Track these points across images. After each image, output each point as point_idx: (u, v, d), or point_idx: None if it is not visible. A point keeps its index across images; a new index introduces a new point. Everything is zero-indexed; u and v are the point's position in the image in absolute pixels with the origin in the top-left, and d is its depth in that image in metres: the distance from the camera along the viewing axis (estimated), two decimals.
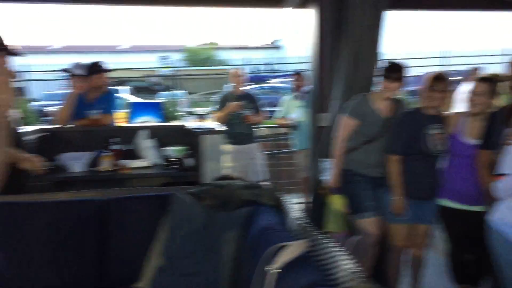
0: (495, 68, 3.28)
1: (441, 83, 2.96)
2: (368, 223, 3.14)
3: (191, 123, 4.42)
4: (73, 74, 3.99)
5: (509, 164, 2.46)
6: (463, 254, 3.00)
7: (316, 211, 3.66)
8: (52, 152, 3.63)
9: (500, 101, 2.96)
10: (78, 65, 4.04)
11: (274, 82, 18.92)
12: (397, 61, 3.21)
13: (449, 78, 3.03)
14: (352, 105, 3.26)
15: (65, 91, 4.38)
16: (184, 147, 3.73)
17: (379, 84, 3.22)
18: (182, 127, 4.14)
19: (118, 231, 2.45)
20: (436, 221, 3.16)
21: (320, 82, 3.90)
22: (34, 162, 2.92)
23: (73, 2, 4.49)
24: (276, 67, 27.05)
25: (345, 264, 1.54)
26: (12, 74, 1.42)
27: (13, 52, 2.72)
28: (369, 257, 3.21)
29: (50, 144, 3.76)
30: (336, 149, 3.26)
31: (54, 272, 2.35)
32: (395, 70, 3.12)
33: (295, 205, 2.42)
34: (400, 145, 3.05)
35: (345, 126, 3.23)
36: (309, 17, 4.06)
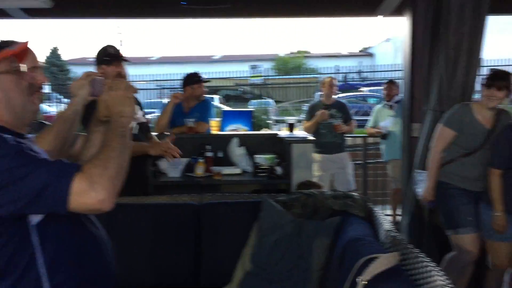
0: None
1: (505, 76, 2.77)
2: (466, 240, 2.99)
3: (282, 132, 4.49)
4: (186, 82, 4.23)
5: None
6: None
7: (414, 226, 3.54)
8: (152, 158, 3.88)
9: None
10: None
11: (364, 91, 18.59)
12: (501, 68, 3.05)
13: None
14: (450, 114, 3.13)
15: (164, 100, 4.65)
16: (274, 155, 3.81)
17: (481, 93, 3.06)
18: (274, 135, 4.23)
19: (211, 235, 2.56)
20: None
21: (412, 91, 3.79)
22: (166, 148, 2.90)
23: (177, 16, 4.75)
24: (367, 75, 26.55)
25: (437, 280, 1.49)
26: (133, 89, 1.54)
27: (127, 61, 2.98)
28: (465, 276, 3.05)
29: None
30: (432, 161, 3.14)
31: (151, 270, 2.52)
32: (500, 78, 2.96)
33: (387, 217, 2.38)
34: (502, 159, 2.88)
35: (442, 136, 3.11)
36: (402, 25, 3.98)
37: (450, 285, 1.45)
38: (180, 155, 2.96)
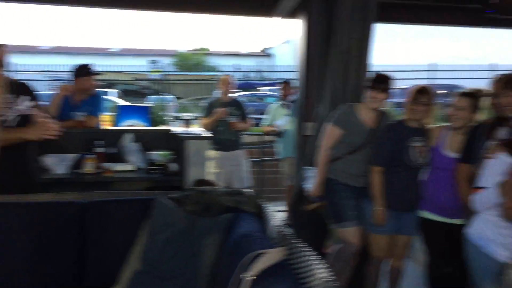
0: (483, 83, 3.34)
1: (424, 96, 3.01)
2: (350, 233, 3.17)
3: (177, 128, 4.43)
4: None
5: (487, 178, 2.50)
6: (441, 267, 3.03)
7: (299, 220, 3.67)
8: (36, 153, 3.61)
9: (482, 116, 3.01)
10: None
11: (263, 90, 18.99)
12: (384, 72, 3.26)
13: (433, 92, 3.07)
14: (337, 114, 3.29)
15: (52, 92, 4.36)
16: (168, 152, 3.74)
17: (365, 95, 3.26)
18: (167, 131, 4.15)
19: (97, 234, 2.44)
20: (417, 232, 3.19)
21: (306, 91, 3.93)
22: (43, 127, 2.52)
23: (66, 3, 4.48)
24: (266, 74, 27.15)
25: (320, 273, 1.55)
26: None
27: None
28: (349, 267, 3.23)
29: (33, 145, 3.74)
30: (320, 158, 3.28)
31: (32, 273, 2.34)
32: (381, 81, 3.16)
33: (276, 213, 2.43)
34: (383, 157, 3.09)
35: (329, 135, 3.26)
36: (297, 27, 4.10)
37: (331, 277, 1.52)
38: (61, 134, 2.58)
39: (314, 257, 1.69)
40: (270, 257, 1.67)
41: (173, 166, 3.62)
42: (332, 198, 3.25)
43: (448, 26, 5.84)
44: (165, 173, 3.58)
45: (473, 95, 2.95)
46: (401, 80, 16.55)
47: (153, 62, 28.91)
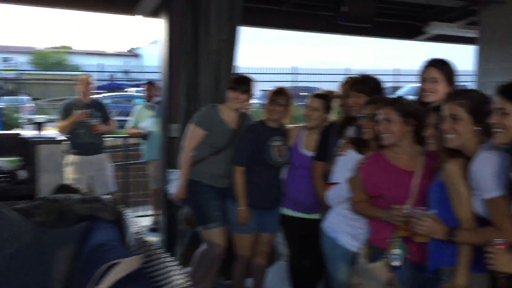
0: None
1: (281, 97, 3.12)
2: (215, 234, 3.17)
3: (28, 132, 4.05)
4: None
5: (338, 174, 2.68)
6: (301, 260, 3.18)
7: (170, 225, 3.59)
8: None
9: (334, 116, 3.22)
10: None
11: (130, 91, 18.42)
12: (245, 74, 3.32)
13: (290, 93, 3.21)
14: (200, 114, 3.28)
15: None
16: (17, 158, 3.40)
17: (227, 96, 3.28)
18: (16, 135, 3.77)
19: None
20: (279, 229, 3.31)
21: (170, 92, 3.86)
22: None
23: None
24: (134, 75, 26.37)
25: (177, 279, 1.51)
26: None
27: None
28: (215, 268, 3.24)
29: None
30: (184, 159, 3.24)
31: None
32: (242, 83, 3.21)
33: (143, 218, 2.33)
34: (244, 157, 3.14)
35: (192, 135, 3.23)
36: (161, 27, 4.01)
37: (187, 283, 1.48)
38: None
39: (171, 263, 1.64)
40: (125, 266, 1.59)
41: (22, 174, 3.30)
42: (196, 200, 3.23)
43: (306, 31, 6.20)
44: (12, 181, 3.25)
45: (325, 97, 3.14)
46: (266, 82, 17.26)
47: (6, 59, 26.38)
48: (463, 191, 1.98)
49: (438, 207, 2.07)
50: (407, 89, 19.34)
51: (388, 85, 18.99)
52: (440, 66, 2.61)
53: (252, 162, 3.14)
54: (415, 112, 2.37)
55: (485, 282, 2.04)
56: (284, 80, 17.65)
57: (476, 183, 1.90)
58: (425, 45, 7.35)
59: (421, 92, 2.66)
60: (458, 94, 2.06)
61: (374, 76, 2.99)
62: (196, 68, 3.68)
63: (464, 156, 2.00)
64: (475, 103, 1.97)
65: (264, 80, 16.78)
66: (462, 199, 1.99)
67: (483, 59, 5.32)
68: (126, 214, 2.37)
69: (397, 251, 2.28)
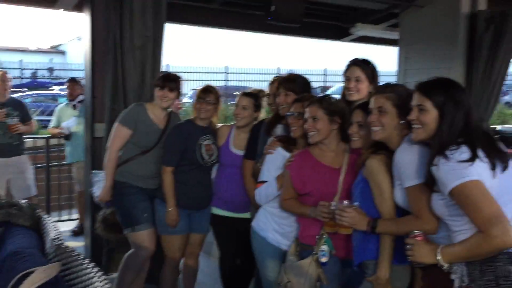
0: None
1: (208, 95, 3.08)
2: (142, 236, 3.07)
3: None
4: None
5: (267, 172, 2.69)
6: (233, 260, 3.15)
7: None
8: None
9: (263, 115, 3.23)
10: None
11: (56, 89, 17.58)
12: (173, 72, 3.25)
13: (218, 91, 3.17)
14: (125, 113, 3.16)
15: None
16: None
17: (155, 94, 3.18)
18: None
19: None
20: (209, 229, 3.27)
21: (94, 90, 3.70)
22: None
23: None
24: (58, 73, 25.22)
25: (96, 286, 1.43)
26: None
27: None
28: (144, 271, 3.15)
29: None
30: (109, 160, 3.11)
31: None
32: (171, 81, 3.13)
33: (57, 224, 2.19)
34: (173, 157, 3.07)
35: (118, 135, 3.11)
36: (83, 22, 3.84)
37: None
38: None
39: (92, 270, 1.56)
40: (41, 275, 1.48)
41: None
42: (123, 202, 3.11)
43: (236, 30, 6.20)
44: None
45: (255, 95, 3.14)
46: (199, 81, 17.15)
47: None
48: (385, 186, 2.05)
49: (362, 201, 2.13)
50: (336, 89, 20.01)
51: (317, 85, 19.56)
52: (363, 65, 2.68)
53: (182, 162, 3.07)
54: (341, 110, 2.43)
55: (407, 273, 2.13)
56: (216, 79, 17.58)
57: (397, 172, 1.96)
58: (352, 46, 7.59)
59: (345, 90, 2.73)
60: (386, 88, 2.12)
61: (303, 75, 3.03)
62: (122, 66, 3.55)
63: (388, 151, 2.07)
64: (401, 98, 2.03)
65: (197, 79, 16.65)
66: (383, 194, 2.05)
67: (403, 60, 5.58)
68: (45, 219, 2.23)
69: (324, 247, 2.32)
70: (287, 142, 2.66)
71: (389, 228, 2.04)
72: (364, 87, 2.64)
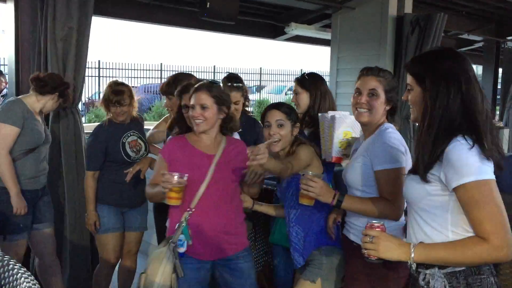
0: None
1: (122, 96, 2.95)
2: (17, 245, 2.86)
3: None
4: None
5: None
6: None
7: None
8: None
9: None
10: None
11: None
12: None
13: (130, 87, 3.06)
14: (6, 110, 2.86)
15: None
16: None
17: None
18: None
19: None
20: (145, 227, 3.19)
21: (18, 84, 3.49)
22: None
23: None
24: None
25: (25, 285, 1.36)
26: None
27: None
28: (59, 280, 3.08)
29: None
30: (3, 166, 2.77)
31: None
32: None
33: None
34: (96, 162, 2.97)
35: (4, 135, 2.78)
36: (7, 13, 3.62)
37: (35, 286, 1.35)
38: None
39: (18, 270, 1.48)
40: None
41: None
42: (4, 209, 2.81)
43: (168, 26, 6.11)
44: None
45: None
46: (134, 78, 16.73)
47: None
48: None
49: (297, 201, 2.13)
50: (271, 88, 20.22)
51: (252, 83, 19.65)
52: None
53: (109, 162, 2.99)
54: (229, 100, 2.34)
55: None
56: (151, 76, 17.23)
57: (372, 155, 1.97)
58: (287, 45, 7.73)
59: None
60: (379, 71, 2.07)
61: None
62: (46, 58, 3.38)
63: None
64: (389, 84, 2.05)
65: (132, 76, 16.25)
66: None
67: (335, 60, 5.76)
68: None
69: (182, 236, 2.18)
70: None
71: (355, 205, 1.98)
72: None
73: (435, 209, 1.49)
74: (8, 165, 2.77)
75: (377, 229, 1.52)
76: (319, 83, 2.81)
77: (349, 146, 2.39)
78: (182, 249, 2.17)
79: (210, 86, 2.27)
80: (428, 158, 1.46)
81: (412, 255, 1.45)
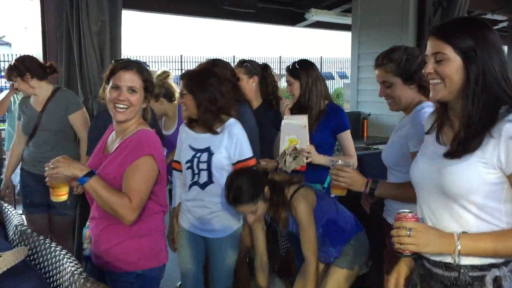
0: None
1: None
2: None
3: None
4: None
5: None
6: None
7: None
8: None
9: None
10: None
11: (1, 82, 16.87)
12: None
13: None
14: (75, 98, 3.16)
15: None
16: None
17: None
18: None
19: None
20: None
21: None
22: None
23: None
24: (5, 65, 24.21)
25: (68, 266, 1.44)
26: None
27: None
28: None
29: None
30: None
31: None
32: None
33: (17, 212, 2.16)
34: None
35: (86, 118, 3.11)
36: (34, 10, 3.71)
37: (79, 269, 1.42)
38: None
39: (62, 252, 1.56)
40: (8, 259, 1.47)
41: None
42: None
43: (190, 16, 6.15)
44: None
45: None
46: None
47: None
48: (312, 230, 2.20)
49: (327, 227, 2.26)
50: None
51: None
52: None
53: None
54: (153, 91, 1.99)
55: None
56: (172, 68, 17.34)
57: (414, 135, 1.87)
58: (306, 32, 7.68)
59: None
60: (383, 59, 2.02)
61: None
62: (79, 53, 3.44)
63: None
64: (401, 63, 1.97)
65: (152, 69, 16.35)
66: (310, 236, 2.20)
67: (356, 45, 5.72)
68: (5, 208, 2.20)
69: (88, 239, 1.96)
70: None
71: (389, 192, 1.86)
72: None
73: (486, 199, 1.30)
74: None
75: (412, 220, 1.31)
76: (310, 70, 2.71)
77: (295, 157, 2.38)
78: (87, 252, 1.93)
79: (141, 67, 1.85)
80: (478, 133, 1.29)
81: (459, 247, 1.28)
